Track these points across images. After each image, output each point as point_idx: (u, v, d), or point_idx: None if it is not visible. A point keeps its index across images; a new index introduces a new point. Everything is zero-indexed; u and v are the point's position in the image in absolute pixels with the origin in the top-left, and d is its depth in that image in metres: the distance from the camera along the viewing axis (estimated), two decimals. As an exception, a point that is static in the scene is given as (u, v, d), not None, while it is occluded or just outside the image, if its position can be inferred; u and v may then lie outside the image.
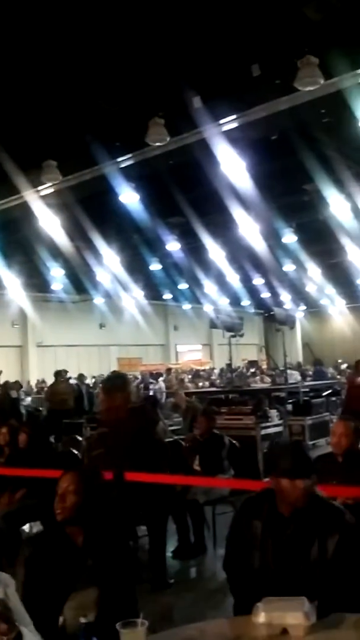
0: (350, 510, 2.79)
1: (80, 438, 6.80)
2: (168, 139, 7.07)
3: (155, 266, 17.08)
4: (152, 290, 22.01)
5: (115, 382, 5.40)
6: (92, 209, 10.75)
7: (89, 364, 22.63)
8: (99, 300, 22.57)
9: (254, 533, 2.63)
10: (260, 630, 2.14)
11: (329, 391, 13.21)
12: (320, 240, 14.42)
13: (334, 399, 12.87)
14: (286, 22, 5.70)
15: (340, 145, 8.63)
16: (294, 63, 5.95)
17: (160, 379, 19.43)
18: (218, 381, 20.33)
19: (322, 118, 7.84)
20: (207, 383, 19.78)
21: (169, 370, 20.25)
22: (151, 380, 19.19)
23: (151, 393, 15.79)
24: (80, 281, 18.23)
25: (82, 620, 2.05)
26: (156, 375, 20.14)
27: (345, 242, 13.98)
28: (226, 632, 2.23)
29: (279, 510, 2.62)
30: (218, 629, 2.26)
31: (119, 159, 8.10)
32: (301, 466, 2.62)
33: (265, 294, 23.19)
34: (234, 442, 6.48)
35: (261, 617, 2.15)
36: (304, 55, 5.88)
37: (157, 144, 7.18)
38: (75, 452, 5.82)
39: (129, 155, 7.98)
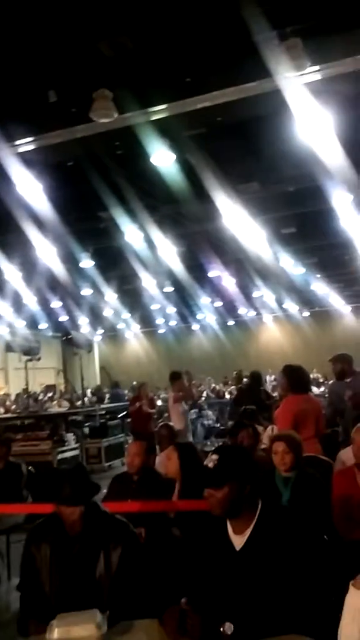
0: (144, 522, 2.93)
1: None
2: None
3: None
4: None
5: None
6: None
7: None
8: None
9: (43, 556, 2.67)
10: (53, 646, 2.16)
11: (125, 413, 13.56)
12: (117, 266, 14.84)
13: (129, 420, 13.23)
14: (83, 54, 5.89)
15: (133, 177, 9.04)
16: (89, 94, 6.16)
17: None
18: (14, 407, 19.67)
19: (116, 150, 8.19)
20: (1, 409, 19.03)
21: None
22: None
23: None
24: None
25: None
26: None
27: (140, 269, 14.56)
28: (18, 656, 2.21)
29: (66, 530, 2.69)
30: (10, 654, 2.24)
31: None
32: (78, 494, 2.69)
33: (63, 317, 23.09)
34: (31, 468, 6.36)
35: (54, 634, 2.18)
36: (99, 88, 6.13)
37: None
38: None
39: None
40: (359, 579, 1.97)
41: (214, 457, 2.50)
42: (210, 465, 2.50)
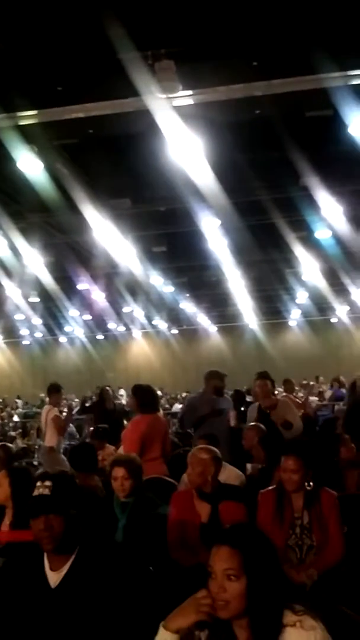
0: None
1: None
2: None
3: None
4: None
5: None
6: None
7: None
8: None
9: None
10: None
11: None
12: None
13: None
14: None
15: (-1, 182, 8.66)
16: None
17: None
18: None
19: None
20: None
21: None
22: None
23: None
24: None
25: None
26: None
27: (2, 277, 13.87)
28: None
29: None
30: None
31: None
32: None
33: None
34: None
35: None
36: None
37: None
38: None
39: None
40: (168, 620, 1.87)
41: (48, 483, 2.30)
42: (47, 492, 2.28)
